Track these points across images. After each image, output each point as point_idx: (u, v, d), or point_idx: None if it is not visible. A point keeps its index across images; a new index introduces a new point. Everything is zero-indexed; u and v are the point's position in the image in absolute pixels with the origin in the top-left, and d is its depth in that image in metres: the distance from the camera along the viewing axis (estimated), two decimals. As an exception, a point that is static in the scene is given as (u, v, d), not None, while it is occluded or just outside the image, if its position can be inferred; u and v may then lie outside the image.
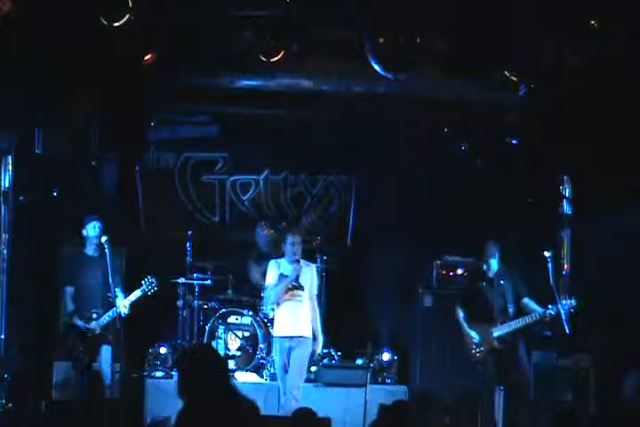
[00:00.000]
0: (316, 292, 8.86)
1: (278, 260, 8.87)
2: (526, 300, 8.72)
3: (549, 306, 8.47)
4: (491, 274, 8.88)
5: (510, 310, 8.70)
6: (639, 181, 9.04)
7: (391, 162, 10.75)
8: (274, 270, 8.80)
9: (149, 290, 8.85)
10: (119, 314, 8.65)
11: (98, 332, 8.73)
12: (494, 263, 8.87)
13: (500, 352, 8.68)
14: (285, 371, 8.65)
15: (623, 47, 8.03)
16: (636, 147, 8.92)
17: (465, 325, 8.84)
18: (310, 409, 6.08)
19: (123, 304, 8.74)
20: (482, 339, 8.71)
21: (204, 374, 4.52)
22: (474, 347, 8.75)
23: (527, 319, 8.58)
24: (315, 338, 8.71)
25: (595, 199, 9.64)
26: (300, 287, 8.70)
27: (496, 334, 8.65)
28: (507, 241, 9.26)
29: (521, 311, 8.71)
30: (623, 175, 9.16)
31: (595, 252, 9.43)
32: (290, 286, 8.68)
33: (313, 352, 8.77)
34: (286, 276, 8.70)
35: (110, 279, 8.64)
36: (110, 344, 8.79)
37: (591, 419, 7.84)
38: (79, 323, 8.79)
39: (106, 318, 8.71)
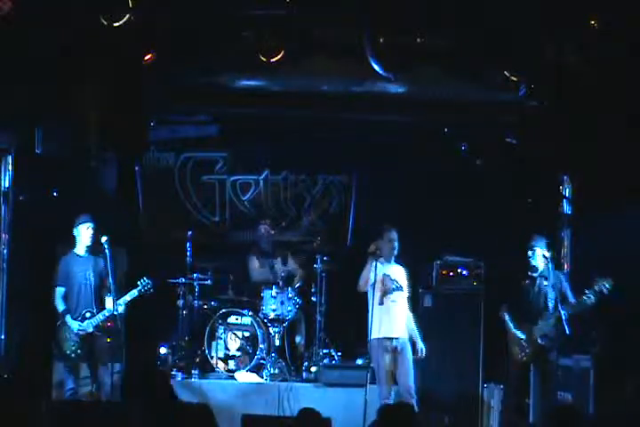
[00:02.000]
0: (409, 294, 8.89)
1: (378, 260, 8.77)
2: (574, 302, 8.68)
3: (586, 291, 8.43)
4: (535, 273, 8.78)
5: (550, 305, 8.63)
6: (639, 181, 9.05)
7: (391, 162, 10.75)
8: (371, 269, 8.74)
9: (145, 291, 8.81)
10: (114, 313, 8.61)
11: (91, 331, 8.68)
12: (540, 259, 8.75)
13: (540, 352, 8.64)
14: (389, 373, 8.62)
15: (623, 47, 8.03)
16: (636, 147, 8.92)
17: (512, 325, 8.75)
18: (314, 409, 6.07)
19: (117, 303, 8.65)
20: (527, 339, 8.66)
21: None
22: (521, 350, 8.66)
23: (569, 311, 8.52)
24: (414, 342, 8.77)
25: (595, 199, 9.64)
26: (401, 288, 8.77)
27: (539, 333, 8.61)
28: (507, 241, 9.26)
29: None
30: (623, 175, 9.16)
31: (595, 252, 9.43)
32: (394, 286, 8.73)
33: (420, 351, 8.78)
34: (387, 275, 8.72)
35: (111, 279, 8.65)
36: (109, 345, 8.72)
37: (591, 419, 7.85)
38: (71, 322, 8.71)
39: (100, 318, 8.66)
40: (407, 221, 10.47)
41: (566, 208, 10.41)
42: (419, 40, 8.12)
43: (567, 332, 8.40)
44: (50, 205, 9.85)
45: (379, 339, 8.70)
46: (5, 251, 9.61)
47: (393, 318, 8.72)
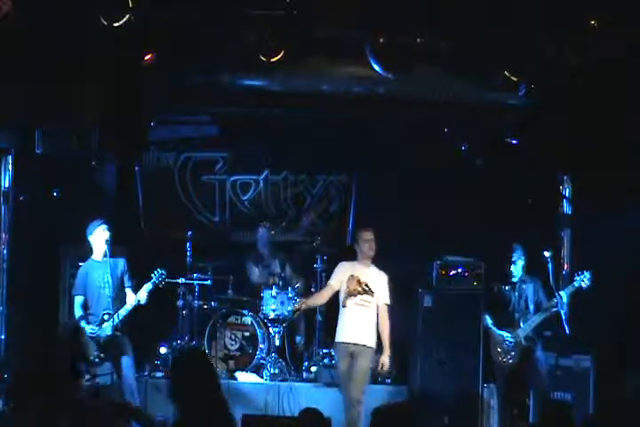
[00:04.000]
0: (387, 301, 8.63)
1: (351, 262, 8.68)
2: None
3: (558, 292, 8.45)
4: (514, 278, 8.80)
5: (531, 307, 8.67)
6: (639, 181, 9.05)
7: (391, 162, 10.75)
8: (342, 271, 8.62)
9: (160, 282, 8.79)
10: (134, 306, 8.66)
11: (109, 333, 8.62)
12: (520, 267, 8.79)
13: (527, 353, 8.62)
14: (348, 379, 8.46)
15: (623, 47, 8.03)
16: (636, 147, 8.93)
17: (494, 329, 8.76)
18: (316, 409, 6.05)
19: (139, 297, 8.69)
20: (514, 342, 8.64)
21: (196, 381, 4.50)
22: (505, 353, 8.66)
23: (545, 311, 8.53)
24: (381, 349, 8.55)
25: (595, 199, 9.64)
26: (370, 292, 8.52)
27: (523, 334, 8.61)
28: (507, 241, 9.26)
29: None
30: (623, 175, 9.16)
31: (595, 252, 9.43)
32: (360, 289, 8.50)
33: (381, 365, 8.53)
34: (355, 276, 8.48)
35: (128, 281, 8.78)
36: (129, 355, 8.70)
37: (591, 419, 7.85)
38: (86, 328, 8.69)
39: (118, 317, 8.59)
40: (407, 221, 10.49)
41: (566, 208, 10.41)
42: (419, 40, 8.11)
43: (567, 332, 8.41)
44: (50, 205, 9.85)
45: (338, 343, 8.59)
46: (5, 251, 9.61)
47: (353, 323, 8.52)
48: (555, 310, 8.47)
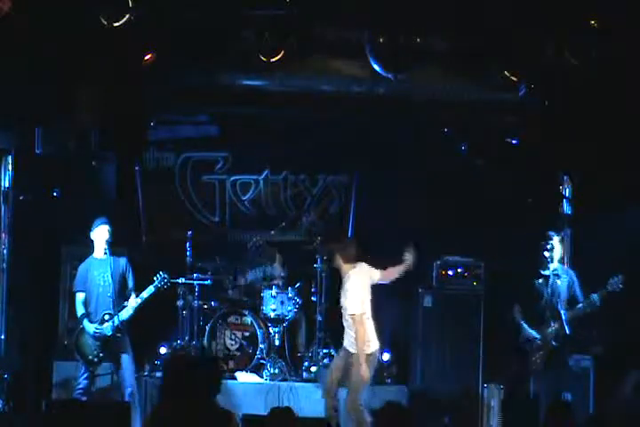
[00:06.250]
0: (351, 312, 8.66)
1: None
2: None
3: (592, 293, 8.40)
4: (547, 270, 8.65)
5: (563, 306, 8.55)
6: (639, 181, 9.05)
7: (391, 162, 10.75)
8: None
9: (162, 285, 8.81)
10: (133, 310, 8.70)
11: (110, 333, 8.65)
12: (556, 256, 8.67)
13: (555, 354, 8.59)
14: (331, 375, 8.78)
15: (623, 47, 8.04)
16: (636, 147, 8.93)
17: (525, 326, 8.64)
18: (288, 407, 5.90)
19: (134, 301, 8.73)
20: (542, 339, 8.56)
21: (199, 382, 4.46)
22: (534, 352, 8.58)
23: (577, 311, 8.47)
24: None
25: (595, 199, 9.64)
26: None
27: (553, 334, 8.52)
28: (507, 241, 9.27)
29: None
30: (623, 175, 9.17)
31: (595, 252, 9.43)
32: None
33: None
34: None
35: (131, 282, 8.79)
36: (128, 354, 8.73)
37: (591, 419, 7.86)
38: (87, 326, 8.71)
39: (118, 319, 8.61)
40: (407, 221, 10.49)
41: (566, 208, 10.42)
42: (419, 40, 8.12)
43: (568, 332, 8.40)
44: (50, 205, 9.85)
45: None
46: (5, 251, 9.63)
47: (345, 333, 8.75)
48: (585, 310, 8.40)
